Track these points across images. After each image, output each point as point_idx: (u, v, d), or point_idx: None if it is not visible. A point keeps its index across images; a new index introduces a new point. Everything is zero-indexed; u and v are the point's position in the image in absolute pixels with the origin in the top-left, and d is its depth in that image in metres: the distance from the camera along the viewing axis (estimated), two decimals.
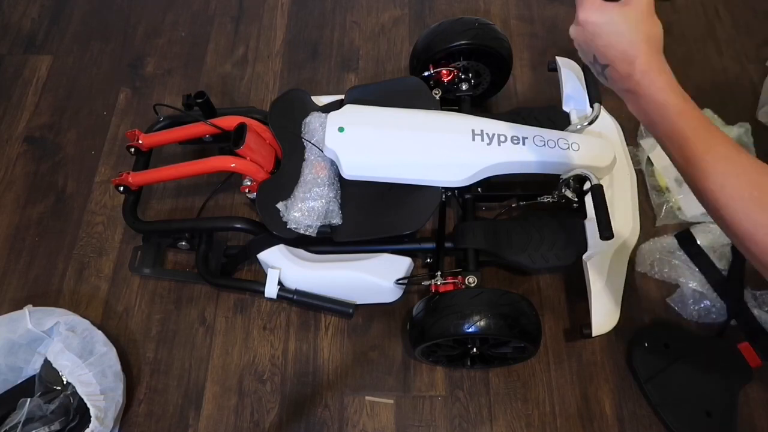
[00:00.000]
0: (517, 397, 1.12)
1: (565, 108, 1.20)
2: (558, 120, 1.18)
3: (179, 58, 1.53)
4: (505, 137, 1.07)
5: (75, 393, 1.02)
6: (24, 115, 1.46)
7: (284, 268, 1.10)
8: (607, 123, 1.18)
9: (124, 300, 1.22)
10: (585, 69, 1.20)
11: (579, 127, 1.14)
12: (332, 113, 1.10)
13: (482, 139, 1.06)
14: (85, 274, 1.25)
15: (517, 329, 0.97)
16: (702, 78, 1.49)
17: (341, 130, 1.07)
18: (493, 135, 1.07)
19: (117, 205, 1.30)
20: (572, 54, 1.33)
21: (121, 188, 1.17)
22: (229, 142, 1.08)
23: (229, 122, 1.16)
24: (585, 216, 1.09)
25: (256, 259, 1.13)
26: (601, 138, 1.14)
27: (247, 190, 1.12)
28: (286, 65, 1.51)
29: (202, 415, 1.11)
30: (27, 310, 1.07)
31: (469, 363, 1.09)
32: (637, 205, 1.12)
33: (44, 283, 1.24)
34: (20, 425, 0.99)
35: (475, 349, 1.04)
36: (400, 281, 1.09)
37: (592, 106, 1.16)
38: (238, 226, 1.14)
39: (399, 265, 1.10)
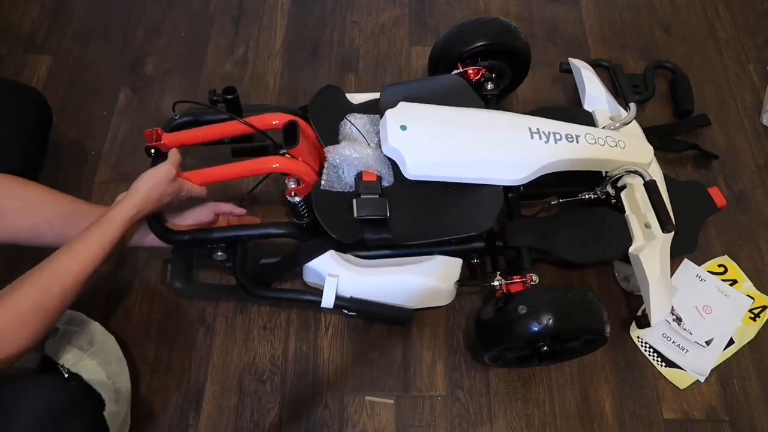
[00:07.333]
0: (517, 397, 1.12)
1: (587, 107, 1.21)
2: (579, 119, 1.17)
3: (179, 58, 1.53)
4: (560, 135, 1.07)
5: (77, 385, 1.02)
6: None
7: (342, 275, 1.04)
8: (632, 123, 1.19)
9: (124, 300, 1.22)
10: (614, 70, 1.20)
11: (616, 126, 1.14)
12: (390, 111, 1.05)
13: (540, 138, 1.06)
14: None
15: (590, 323, 0.98)
16: (702, 78, 1.49)
17: (404, 128, 1.02)
18: (549, 133, 1.07)
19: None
20: (573, 54, 1.34)
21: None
22: (251, 142, 1.05)
23: (264, 121, 1.05)
24: (623, 211, 1.10)
25: (300, 268, 1.08)
26: (637, 137, 1.15)
27: (292, 193, 1.03)
28: (286, 65, 1.51)
29: (202, 415, 1.11)
30: None
31: (537, 360, 1.08)
32: (668, 197, 1.12)
33: None
34: None
35: (545, 347, 1.02)
36: (460, 283, 1.07)
37: (628, 106, 1.16)
38: (283, 232, 1.05)
39: (453, 266, 1.08)
